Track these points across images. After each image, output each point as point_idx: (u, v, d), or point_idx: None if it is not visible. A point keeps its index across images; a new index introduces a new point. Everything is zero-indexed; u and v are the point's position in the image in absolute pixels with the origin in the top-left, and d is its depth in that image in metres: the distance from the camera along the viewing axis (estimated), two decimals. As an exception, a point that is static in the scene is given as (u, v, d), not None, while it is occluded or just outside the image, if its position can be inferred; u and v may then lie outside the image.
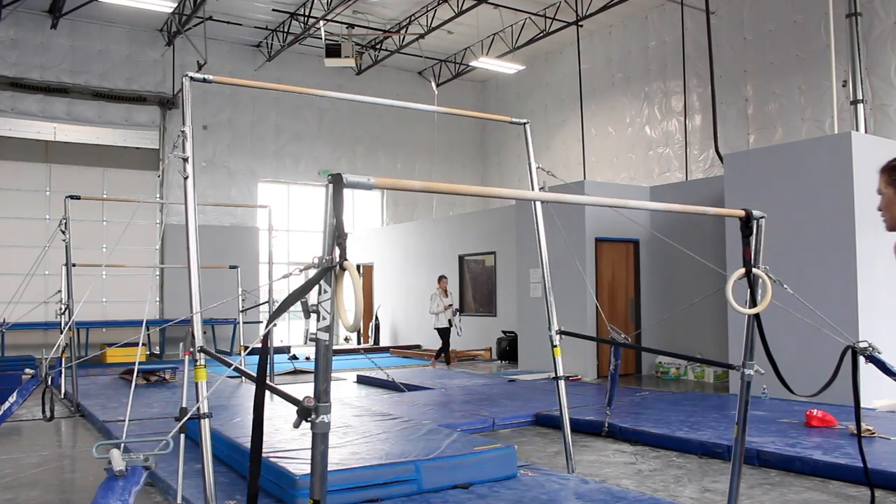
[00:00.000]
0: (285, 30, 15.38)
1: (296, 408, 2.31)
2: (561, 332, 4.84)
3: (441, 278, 12.31)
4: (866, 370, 3.54)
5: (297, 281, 3.04)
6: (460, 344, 14.37)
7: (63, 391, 8.39)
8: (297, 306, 2.45)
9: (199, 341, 3.69)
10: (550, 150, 16.95)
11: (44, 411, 5.89)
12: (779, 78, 12.33)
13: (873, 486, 3.93)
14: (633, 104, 15.19)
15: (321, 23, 13.91)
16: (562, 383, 4.79)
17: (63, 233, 7.79)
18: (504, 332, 13.18)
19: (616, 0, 13.56)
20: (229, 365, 3.67)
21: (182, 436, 3.89)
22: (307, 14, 14.37)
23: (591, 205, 3.20)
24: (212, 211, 15.54)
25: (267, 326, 2.59)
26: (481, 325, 14.20)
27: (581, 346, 10.02)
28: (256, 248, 15.92)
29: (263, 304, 10.02)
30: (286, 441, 4.87)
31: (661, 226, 10.26)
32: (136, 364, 3.87)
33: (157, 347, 14.19)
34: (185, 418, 2.71)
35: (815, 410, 6.12)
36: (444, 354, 11.97)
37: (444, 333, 11.89)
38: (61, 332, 7.61)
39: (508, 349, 12.77)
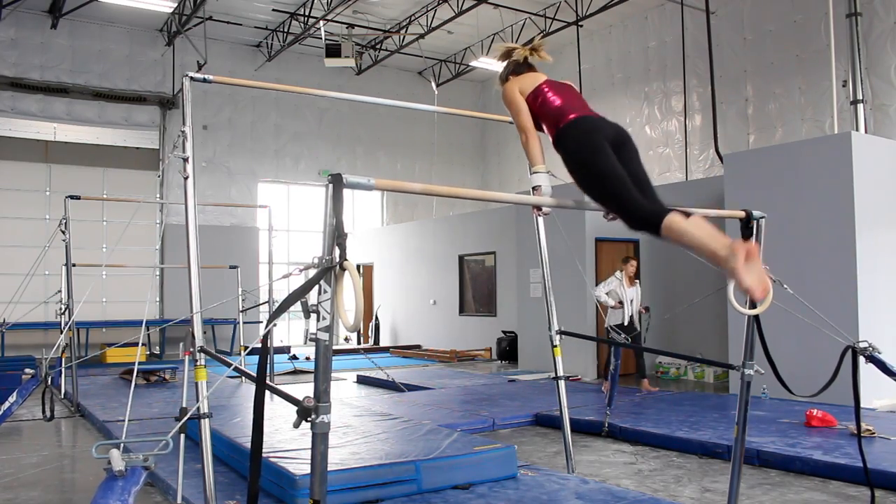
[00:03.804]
0: (285, 30, 15.38)
1: (296, 408, 2.31)
2: (561, 332, 4.84)
3: (628, 260, 8.71)
4: (866, 370, 3.54)
5: (297, 281, 3.04)
6: (461, 344, 14.38)
7: (63, 391, 8.38)
8: (297, 306, 2.45)
9: (199, 341, 3.69)
10: (551, 150, 16.91)
11: (44, 411, 5.87)
12: (779, 78, 12.32)
13: (873, 486, 3.94)
14: (633, 104, 15.18)
15: (321, 23, 13.90)
16: (562, 383, 4.79)
17: (63, 233, 7.78)
18: (504, 332, 13.17)
19: (616, 0, 13.56)
20: (229, 365, 3.67)
21: (182, 436, 3.89)
22: (307, 14, 14.37)
23: (591, 209, 3.21)
24: (212, 211, 15.55)
25: (267, 326, 2.59)
26: (481, 326, 14.21)
27: (581, 346, 10.01)
28: (256, 248, 15.92)
29: (263, 304, 10.01)
30: (286, 441, 4.87)
31: (661, 226, 10.25)
32: (136, 364, 3.86)
33: (157, 347, 14.18)
34: (185, 418, 2.71)
35: (815, 410, 6.11)
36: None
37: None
38: (61, 332, 7.59)
39: (508, 349, 12.76)
